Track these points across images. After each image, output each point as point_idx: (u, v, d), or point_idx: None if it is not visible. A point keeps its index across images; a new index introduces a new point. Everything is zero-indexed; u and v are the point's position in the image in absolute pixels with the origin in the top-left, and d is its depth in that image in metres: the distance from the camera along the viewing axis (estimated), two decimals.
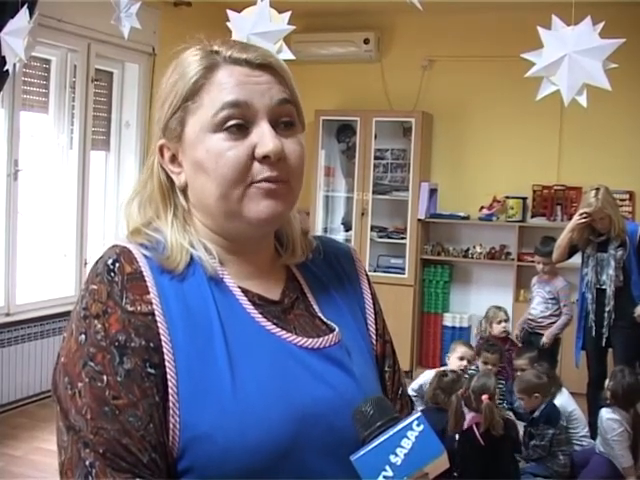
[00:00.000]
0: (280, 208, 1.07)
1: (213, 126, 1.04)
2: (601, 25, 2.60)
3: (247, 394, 1.00)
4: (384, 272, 6.93)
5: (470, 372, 4.96)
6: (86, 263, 5.81)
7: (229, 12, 2.91)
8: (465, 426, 3.99)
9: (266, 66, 1.07)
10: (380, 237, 7.11)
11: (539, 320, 5.51)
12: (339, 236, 7.33)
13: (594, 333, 5.01)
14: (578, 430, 4.60)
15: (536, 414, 4.42)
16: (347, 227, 7.30)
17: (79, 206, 5.74)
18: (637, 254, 4.93)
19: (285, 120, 1.08)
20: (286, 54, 2.92)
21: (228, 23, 2.90)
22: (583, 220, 4.93)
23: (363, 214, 7.00)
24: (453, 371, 4.70)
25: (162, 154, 1.11)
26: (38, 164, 5.61)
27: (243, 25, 2.84)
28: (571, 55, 2.59)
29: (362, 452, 0.93)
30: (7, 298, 5.24)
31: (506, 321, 5.41)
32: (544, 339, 5.38)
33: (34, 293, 5.54)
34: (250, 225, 1.07)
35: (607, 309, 4.94)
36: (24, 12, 3.86)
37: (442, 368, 5.03)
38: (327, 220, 7.40)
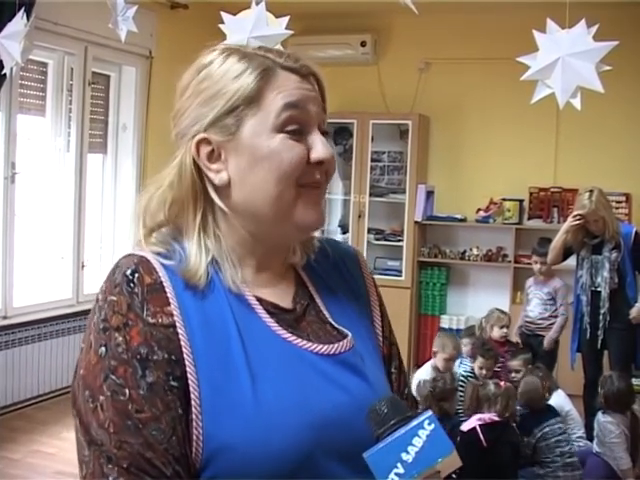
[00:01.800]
0: (324, 216, 1.12)
1: (276, 126, 1.06)
2: (595, 28, 2.61)
3: (268, 404, 1.00)
4: (381, 274, 6.93)
5: (467, 374, 4.97)
6: (83, 266, 5.81)
7: (223, 14, 2.90)
8: (469, 426, 3.99)
9: (312, 76, 1.11)
10: (377, 239, 7.12)
11: (538, 322, 5.51)
12: (336, 238, 7.30)
13: (589, 335, 5.03)
14: (574, 431, 4.61)
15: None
16: (344, 229, 7.31)
17: (76, 209, 5.74)
18: (631, 256, 4.95)
19: (322, 129, 1.11)
20: None
21: (222, 26, 2.89)
22: (576, 222, 4.96)
23: (360, 216, 7.01)
24: (440, 373, 4.66)
25: (198, 150, 1.08)
26: (35, 167, 5.61)
27: (238, 28, 2.84)
28: (564, 58, 2.60)
29: (375, 449, 0.94)
30: (4, 301, 5.24)
31: (507, 327, 5.42)
32: (545, 345, 5.38)
33: (31, 296, 5.54)
34: (297, 228, 1.10)
35: (602, 311, 4.95)
36: (21, 15, 3.87)
37: (427, 367, 5.05)
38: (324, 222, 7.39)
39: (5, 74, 4.14)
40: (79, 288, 5.77)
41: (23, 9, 3.93)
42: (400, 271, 6.94)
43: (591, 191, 4.94)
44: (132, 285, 1.00)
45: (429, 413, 0.96)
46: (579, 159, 6.49)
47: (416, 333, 7.03)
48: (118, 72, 6.19)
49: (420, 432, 0.94)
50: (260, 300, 1.09)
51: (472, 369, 4.96)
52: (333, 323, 1.14)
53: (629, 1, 5.48)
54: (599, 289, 4.98)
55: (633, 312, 4.91)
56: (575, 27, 2.62)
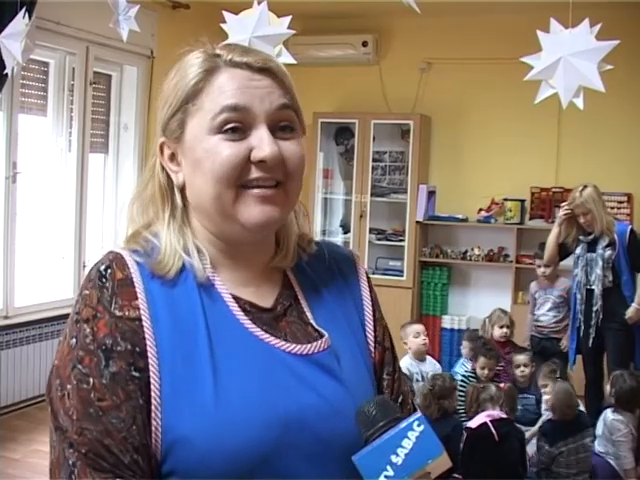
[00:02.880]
0: (275, 213, 1.07)
1: (212, 128, 1.05)
2: (598, 27, 2.61)
3: (228, 400, 1.01)
4: (382, 274, 6.94)
5: (467, 374, 4.97)
6: (84, 266, 5.81)
7: (225, 14, 2.90)
8: (479, 422, 3.98)
9: (267, 70, 1.08)
10: (378, 239, 7.12)
11: (552, 325, 5.48)
12: (337, 238, 7.33)
13: (583, 334, 5.05)
14: None
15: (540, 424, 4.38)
16: (345, 229, 7.31)
17: (77, 208, 5.74)
18: (627, 254, 4.96)
19: (284, 125, 1.08)
20: (286, 58, 2.92)
21: (223, 25, 2.89)
22: (564, 212, 5.06)
23: (361, 216, 7.01)
24: (435, 377, 4.64)
25: (162, 152, 1.12)
26: (37, 167, 5.61)
27: (240, 28, 2.84)
28: (566, 58, 2.60)
29: (364, 452, 0.94)
30: (5, 301, 5.24)
31: (509, 327, 5.40)
32: (567, 345, 5.39)
33: (32, 296, 5.54)
34: (245, 229, 1.07)
35: (595, 309, 4.97)
36: (22, 15, 3.86)
37: (405, 358, 5.08)
38: (325, 222, 7.40)
39: (7, 74, 4.14)
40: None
41: (24, 8, 3.93)
42: (401, 271, 6.93)
43: (585, 186, 5.04)
44: (104, 280, 1.04)
45: (418, 414, 0.95)
46: (581, 159, 6.48)
47: None
48: (119, 72, 6.19)
49: (409, 434, 0.93)
50: (237, 298, 1.09)
51: (473, 369, 4.96)
52: (314, 325, 1.13)
53: (632, 1, 5.46)
54: (593, 287, 5.00)
55: (629, 312, 4.92)
56: (578, 27, 2.61)
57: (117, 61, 6.07)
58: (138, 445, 0.98)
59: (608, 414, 4.32)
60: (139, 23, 3.48)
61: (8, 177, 5.15)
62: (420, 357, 5.03)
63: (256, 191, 1.06)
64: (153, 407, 1.00)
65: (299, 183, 1.11)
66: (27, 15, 3.88)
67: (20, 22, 3.85)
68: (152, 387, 1.00)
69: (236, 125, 1.05)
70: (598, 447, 4.32)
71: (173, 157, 1.11)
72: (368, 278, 1.26)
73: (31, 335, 5.31)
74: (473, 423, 4.00)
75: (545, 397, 4.57)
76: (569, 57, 2.60)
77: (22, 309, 5.35)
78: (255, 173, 1.05)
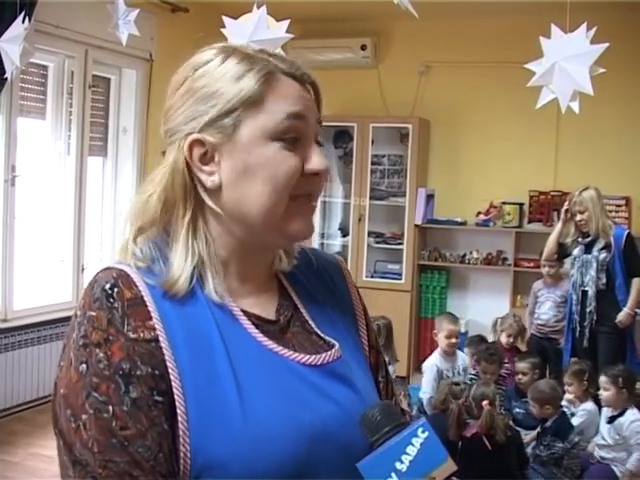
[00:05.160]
0: (313, 227, 1.11)
1: (274, 134, 1.03)
2: (593, 31, 2.62)
3: (257, 417, 0.98)
4: (381, 278, 6.94)
5: (470, 377, 4.97)
6: (83, 269, 5.81)
7: (225, 18, 2.92)
8: (470, 433, 3.96)
9: (311, 85, 1.10)
10: (377, 243, 7.12)
11: (552, 324, 5.51)
12: (336, 242, 7.34)
13: (578, 334, 5.07)
14: None
15: (547, 424, 4.31)
16: (344, 233, 7.31)
17: (76, 212, 5.74)
18: (622, 258, 4.98)
19: (318, 140, 1.09)
20: None
21: (223, 29, 2.90)
22: (565, 210, 5.17)
23: (360, 220, 7.01)
24: (462, 383, 4.66)
25: (191, 151, 1.05)
26: (35, 170, 5.61)
27: (239, 32, 2.85)
28: (559, 63, 2.61)
29: (368, 459, 0.93)
30: (4, 304, 5.23)
31: (515, 336, 5.44)
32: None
33: (31, 299, 5.54)
34: (285, 238, 1.08)
35: (588, 310, 5.00)
36: (21, 19, 3.87)
37: (435, 353, 5.10)
38: (324, 226, 7.40)
39: (6, 77, 4.14)
40: (79, 291, 5.76)
41: (23, 12, 3.94)
42: (400, 274, 6.93)
43: (587, 187, 5.12)
44: (112, 300, 0.97)
45: (423, 420, 0.94)
46: (579, 162, 6.48)
47: (416, 337, 7.02)
48: (118, 75, 6.19)
49: (414, 440, 0.92)
50: (244, 312, 1.06)
51: (476, 373, 4.96)
52: (319, 333, 1.12)
53: (629, 2, 5.46)
54: (587, 288, 5.02)
55: (620, 316, 4.96)
56: (575, 32, 2.62)
57: (116, 64, 6.07)
58: (166, 473, 0.94)
59: (623, 418, 4.25)
60: (138, 26, 3.49)
61: (7, 180, 5.15)
62: (449, 354, 5.06)
63: (307, 203, 1.08)
64: (181, 432, 0.95)
65: None
66: (26, 18, 3.89)
67: (19, 26, 3.86)
68: (178, 411, 0.95)
69: (294, 136, 1.04)
70: (603, 453, 4.29)
71: (205, 157, 1.05)
72: (354, 284, 1.27)
73: (30, 338, 5.30)
74: (468, 432, 3.98)
75: (568, 396, 4.61)
76: (562, 62, 2.61)
77: (21, 312, 5.35)
78: (311, 186, 1.07)
